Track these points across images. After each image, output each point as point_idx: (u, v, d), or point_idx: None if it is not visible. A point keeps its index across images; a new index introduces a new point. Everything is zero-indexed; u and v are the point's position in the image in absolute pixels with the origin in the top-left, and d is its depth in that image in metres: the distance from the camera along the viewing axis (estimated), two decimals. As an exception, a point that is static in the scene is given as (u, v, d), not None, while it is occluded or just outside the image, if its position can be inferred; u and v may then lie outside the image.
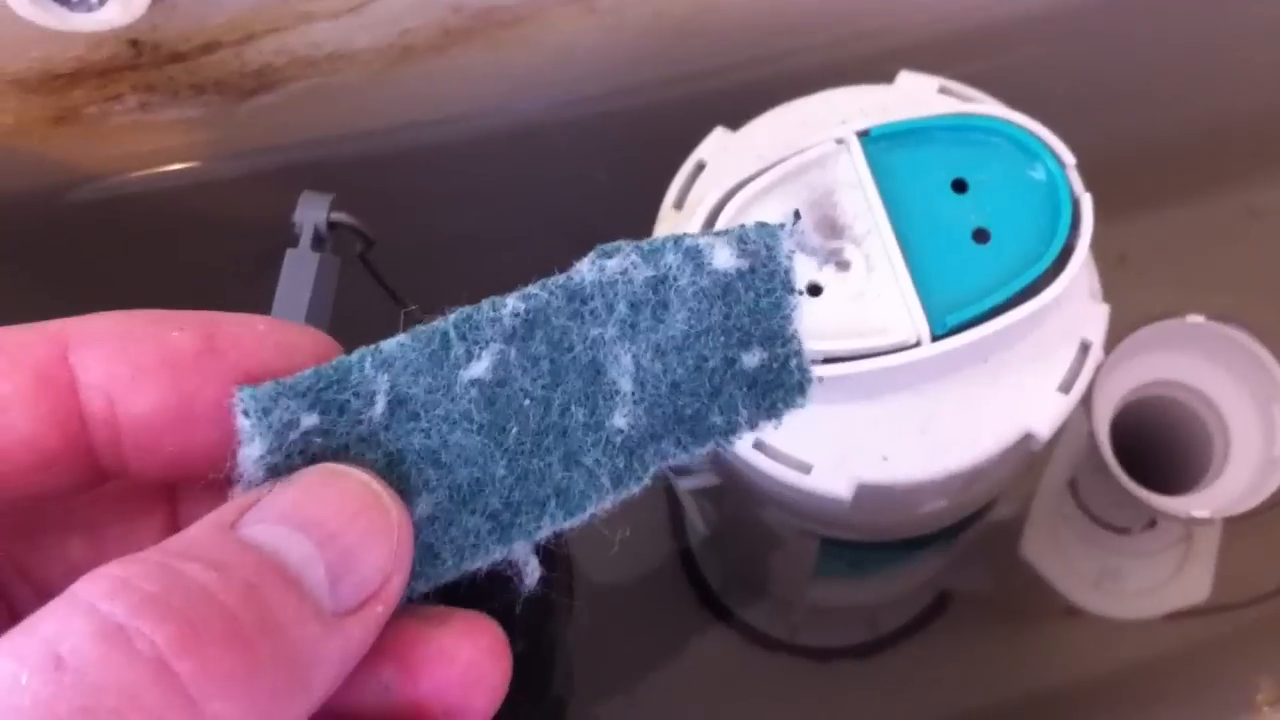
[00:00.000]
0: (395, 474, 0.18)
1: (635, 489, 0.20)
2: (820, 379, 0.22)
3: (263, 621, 0.15)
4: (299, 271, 0.29)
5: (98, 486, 0.17)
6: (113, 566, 0.15)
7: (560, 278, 0.20)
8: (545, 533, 0.19)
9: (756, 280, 0.21)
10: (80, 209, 0.46)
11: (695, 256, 0.21)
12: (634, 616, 0.45)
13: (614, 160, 0.46)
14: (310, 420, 0.18)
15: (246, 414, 0.17)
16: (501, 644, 0.18)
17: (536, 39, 0.44)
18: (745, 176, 0.33)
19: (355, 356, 0.19)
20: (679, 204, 0.36)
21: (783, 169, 0.32)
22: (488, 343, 0.19)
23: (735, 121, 0.36)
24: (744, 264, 0.21)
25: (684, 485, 0.38)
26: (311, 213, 0.30)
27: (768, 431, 0.33)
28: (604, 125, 0.47)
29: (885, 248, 0.31)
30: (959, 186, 0.32)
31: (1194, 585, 0.43)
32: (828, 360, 0.31)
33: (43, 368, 0.16)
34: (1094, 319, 0.34)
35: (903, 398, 0.33)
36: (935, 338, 0.31)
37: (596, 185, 0.47)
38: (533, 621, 0.39)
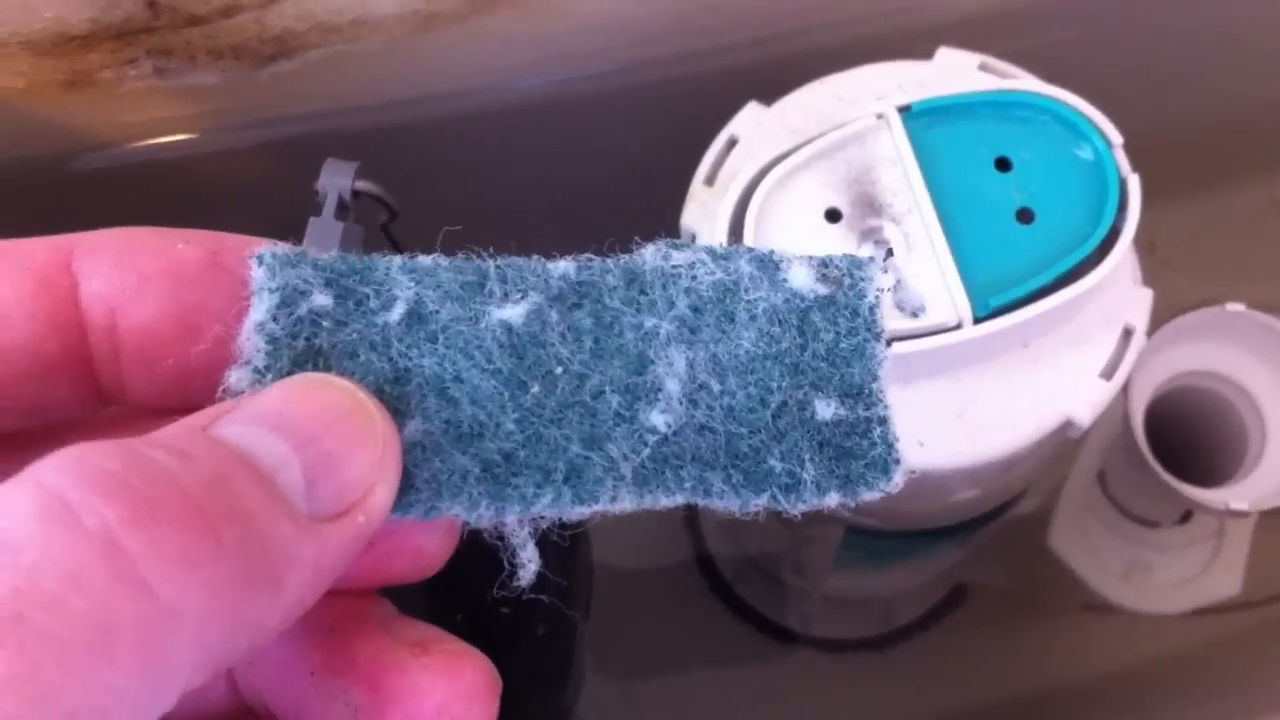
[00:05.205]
0: (397, 392, 0.18)
1: (663, 500, 0.18)
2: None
3: (229, 509, 0.14)
4: (322, 240, 0.28)
5: (96, 409, 0.17)
6: (73, 447, 0.13)
7: (621, 257, 0.19)
8: (545, 506, 0.18)
9: (838, 316, 0.19)
10: (92, 176, 0.45)
11: (770, 270, 0.19)
12: (647, 606, 0.45)
13: (644, 133, 0.45)
14: (323, 300, 0.17)
15: (261, 261, 0.17)
16: (484, 686, 0.17)
17: (565, 7, 0.43)
18: (780, 152, 0.32)
19: (385, 257, 0.18)
20: (710, 180, 0.35)
21: (820, 144, 0.32)
22: (526, 292, 0.18)
23: (769, 95, 0.35)
24: (824, 291, 0.19)
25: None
26: (336, 180, 0.29)
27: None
28: (635, 97, 0.46)
29: (926, 226, 0.31)
30: (1002, 165, 0.31)
31: (1225, 580, 0.43)
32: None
33: (44, 273, 0.16)
34: (1138, 304, 0.33)
35: (940, 382, 0.32)
36: (977, 320, 0.30)
37: (626, 158, 0.46)
38: (553, 606, 0.39)
